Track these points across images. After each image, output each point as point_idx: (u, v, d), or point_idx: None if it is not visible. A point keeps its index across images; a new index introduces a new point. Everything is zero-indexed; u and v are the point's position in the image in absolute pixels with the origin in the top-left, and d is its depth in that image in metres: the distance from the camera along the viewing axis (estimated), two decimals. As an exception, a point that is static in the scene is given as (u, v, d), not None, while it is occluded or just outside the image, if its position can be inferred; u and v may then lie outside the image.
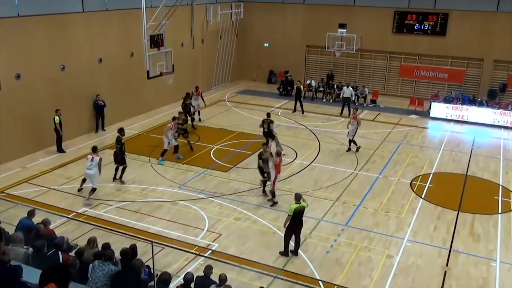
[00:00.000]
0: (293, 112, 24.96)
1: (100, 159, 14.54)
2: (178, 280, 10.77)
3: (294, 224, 11.83)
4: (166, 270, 10.86)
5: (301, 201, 11.85)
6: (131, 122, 22.56)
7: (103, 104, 20.96)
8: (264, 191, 15.42)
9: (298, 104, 24.99)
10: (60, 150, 18.53)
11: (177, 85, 24.55)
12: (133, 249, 9.49)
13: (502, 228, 13.77)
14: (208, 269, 9.58)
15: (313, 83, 28.28)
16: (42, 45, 18.46)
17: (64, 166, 17.52)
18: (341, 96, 25.84)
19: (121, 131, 16.19)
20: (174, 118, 18.34)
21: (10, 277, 4.22)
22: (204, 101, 23.58)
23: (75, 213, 13.97)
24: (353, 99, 25.83)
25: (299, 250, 12.17)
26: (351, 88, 25.42)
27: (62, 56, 19.30)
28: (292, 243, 12.12)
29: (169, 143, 17.72)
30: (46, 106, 18.75)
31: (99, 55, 21.08)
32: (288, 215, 11.75)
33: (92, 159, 14.46)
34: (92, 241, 9.87)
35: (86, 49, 20.41)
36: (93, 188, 14.60)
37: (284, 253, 12.03)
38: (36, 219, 11.39)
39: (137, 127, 22.02)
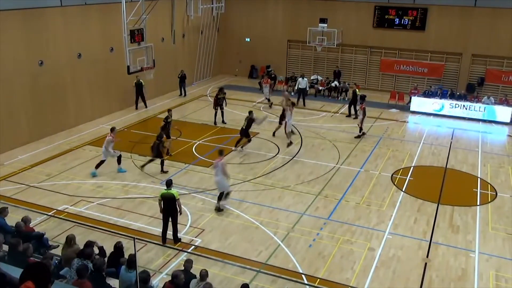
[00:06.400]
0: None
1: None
2: (161, 276, 10.75)
3: (164, 210, 12.04)
4: (149, 267, 10.86)
5: (172, 188, 12.06)
6: (111, 117, 22.33)
7: None
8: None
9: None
10: None
11: (158, 80, 24.49)
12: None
13: (480, 219, 14.03)
14: (188, 263, 9.58)
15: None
16: (19, 40, 18.11)
17: (43, 163, 17.27)
18: (296, 87, 26.45)
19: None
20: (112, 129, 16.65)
21: None
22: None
23: (55, 210, 13.79)
24: (308, 89, 26.50)
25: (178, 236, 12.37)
26: (306, 80, 26.16)
27: (40, 51, 18.98)
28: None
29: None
30: (23, 101, 18.48)
31: (78, 50, 20.76)
32: (159, 199, 12.10)
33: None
34: (70, 240, 9.77)
35: (65, 44, 20.08)
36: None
37: (162, 240, 12.25)
38: (17, 217, 11.26)
39: (118, 122, 21.76)
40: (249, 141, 18.80)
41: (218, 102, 21.68)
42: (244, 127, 18.61)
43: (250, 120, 18.56)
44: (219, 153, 14.22)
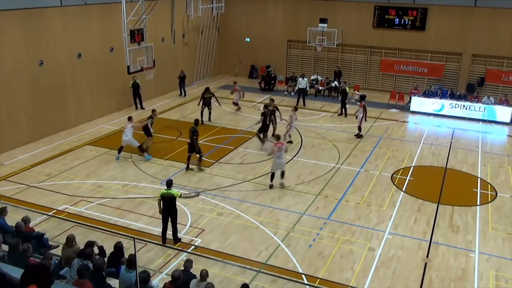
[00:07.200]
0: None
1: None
2: (160, 276, 10.75)
3: (164, 210, 11.98)
4: (149, 267, 10.86)
5: (172, 188, 12.04)
6: (111, 117, 22.33)
7: None
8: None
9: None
10: None
11: (158, 80, 24.49)
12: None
13: (480, 219, 14.03)
14: (188, 263, 9.57)
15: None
16: (19, 40, 18.11)
17: (43, 163, 17.27)
18: (297, 87, 26.47)
19: (196, 122, 17.11)
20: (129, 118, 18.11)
21: None
22: None
23: (55, 210, 13.79)
24: (308, 89, 26.50)
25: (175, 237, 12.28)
26: (306, 80, 26.17)
27: (40, 51, 18.97)
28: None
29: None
30: (23, 101, 18.47)
31: (78, 50, 20.76)
32: (158, 199, 12.03)
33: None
34: (70, 240, 9.78)
35: (65, 44, 20.08)
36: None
37: (162, 240, 12.21)
38: (17, 217, 11.25)
39: (118, 123, 21.77)
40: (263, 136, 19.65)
41: (206, 102, 21.83)
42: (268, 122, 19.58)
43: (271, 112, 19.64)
44: (277, 138, 15.90)
